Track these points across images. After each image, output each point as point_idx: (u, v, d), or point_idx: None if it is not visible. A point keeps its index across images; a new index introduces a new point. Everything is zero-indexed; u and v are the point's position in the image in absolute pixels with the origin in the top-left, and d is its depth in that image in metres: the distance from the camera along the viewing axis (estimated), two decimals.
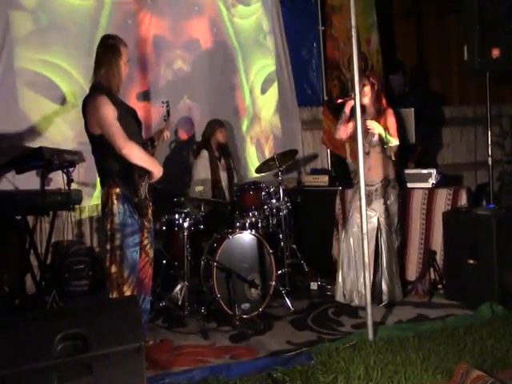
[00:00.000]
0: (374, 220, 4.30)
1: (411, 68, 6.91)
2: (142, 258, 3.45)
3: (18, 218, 4.52)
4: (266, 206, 4.81)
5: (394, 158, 4.43)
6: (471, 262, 4.17)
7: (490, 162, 4.62)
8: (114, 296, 3.28)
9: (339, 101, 4.54)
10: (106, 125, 3.21)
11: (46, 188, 4.39)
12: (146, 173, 3.36)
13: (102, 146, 3.28)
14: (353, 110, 4.32)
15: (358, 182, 4.24)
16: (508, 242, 4.08)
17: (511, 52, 4.35)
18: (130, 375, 2.52)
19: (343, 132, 4.48)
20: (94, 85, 3.34)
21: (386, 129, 4.26)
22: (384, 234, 4.32)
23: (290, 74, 6.43)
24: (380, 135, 4.28)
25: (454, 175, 6.15)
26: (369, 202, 4.24)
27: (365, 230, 3.56)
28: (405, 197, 4.79)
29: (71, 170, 4.56)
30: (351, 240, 4.37)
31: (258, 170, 5.24)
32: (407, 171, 4.99)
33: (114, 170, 3.29)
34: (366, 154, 4.19)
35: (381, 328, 3.69)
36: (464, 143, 7.25)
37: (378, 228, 4.33)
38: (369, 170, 4.23)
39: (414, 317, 4.03)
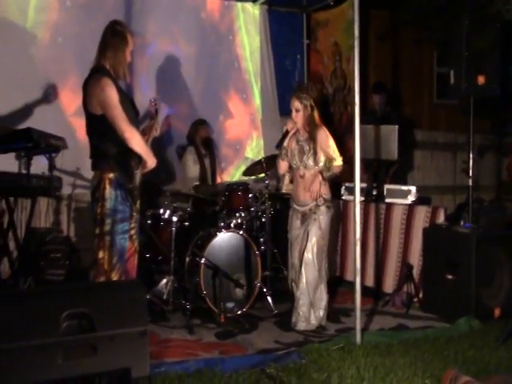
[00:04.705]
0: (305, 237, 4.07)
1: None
2: (129, 247, 3.36)
3: None
4: (252, 209, 4.82)
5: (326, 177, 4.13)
6: (450, 277, 4.31)
7: (470, 183, 4.82)
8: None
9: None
10: (110, 106, 3.16)
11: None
12: (140, 161, 3.31)
13: (101, 127, 3.21)
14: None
15: (293, 205, 4.21)
16: (485, 260, 4.24)
17: (494, 80, 4.59)
18: (133, 358, 2.48)
19: (285, 166, 4.28)
20: (98, 67, 3.29)
21: (323, 149, 4.06)
22: (310, 254, 4.05)
23: (274, 83, 6.54)
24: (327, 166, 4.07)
25: (425, 197, 6.33)
26: (303, 221, 4.13)
27: (358, 236, 3.65)
28: (385, 211, 5.00)
29: (54, 155, 4.46)
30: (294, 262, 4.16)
31: (245, 173, 5.25)
32: (387, 186, 5.14)
33: (111, 154, 3.21)
34: (301, 177, 4.12)
35: (366, 333, 3.75)
36: (433, 167, 7.51)
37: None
38: (304, 192, 4.12)
39: (395, 326, 4.13)
